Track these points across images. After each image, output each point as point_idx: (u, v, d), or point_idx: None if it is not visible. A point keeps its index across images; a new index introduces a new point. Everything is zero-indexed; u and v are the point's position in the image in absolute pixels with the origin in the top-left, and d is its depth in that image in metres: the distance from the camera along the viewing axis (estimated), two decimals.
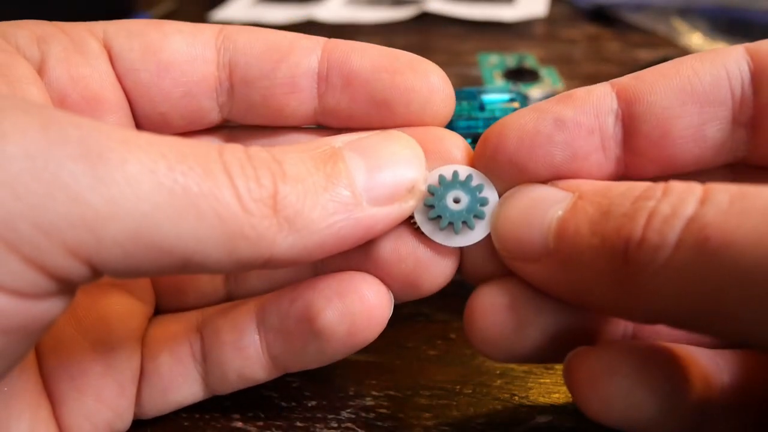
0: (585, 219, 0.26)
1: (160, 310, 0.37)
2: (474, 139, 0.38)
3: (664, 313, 0.24)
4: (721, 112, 0.28)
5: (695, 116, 0.28)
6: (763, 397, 0.29)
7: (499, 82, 0.66)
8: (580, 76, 0.74)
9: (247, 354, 0.33)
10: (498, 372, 0.37)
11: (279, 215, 0.25)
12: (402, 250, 0.31)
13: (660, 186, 0.25)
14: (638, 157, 0.29)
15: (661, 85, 0.28)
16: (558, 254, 0.27)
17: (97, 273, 0.23)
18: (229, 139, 0.35)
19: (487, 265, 0.31)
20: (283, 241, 0.25)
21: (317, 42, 0.33)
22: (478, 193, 0.30)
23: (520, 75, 0.68)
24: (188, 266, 0.24)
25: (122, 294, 0.35)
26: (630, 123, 0.29)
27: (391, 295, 0.32)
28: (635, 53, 0.80)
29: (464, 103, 0.41)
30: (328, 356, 0.32)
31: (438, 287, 0.32)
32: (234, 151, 0.25)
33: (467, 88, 0.43)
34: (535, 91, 0.63)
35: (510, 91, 0.43)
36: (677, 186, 0.24)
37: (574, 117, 0.29)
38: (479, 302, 0.30)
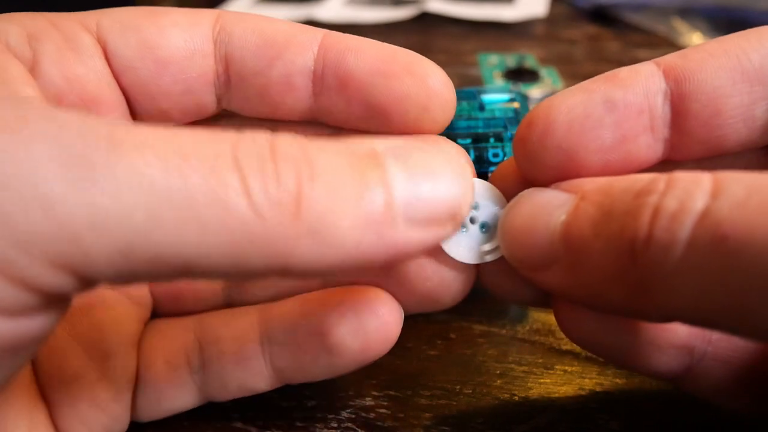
0: (587, 221, 0.25)
1: (156, 313, 0.36)
2: (474, 139, 0.38)
3: (679, 313, 0.23)
4: None
5: (745, 95, 0.27)
6: (753, 357, 0.29)
7: (499, 82, 0.66)
8: (581, 76, 0.74)
9: (250, 365, 0.32)
10: (498, 372, 0.38)
11: (301, 222, 0.22)
12: (428, 269, 0.31)
13: (663, 178, 0.23)
14: (686, 137, 0.28)
15: (710, 64, 0.27)
16: (566, 260, 0.26)
17: (89, 283, 0.22)
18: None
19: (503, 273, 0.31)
20: (302, 252, 0.23)
21: (314, 36, 0.31)
22: (498, 209, 0.30)
23: (520, 75, 0.68)
24: (190, 274, 0.23)
25: (117, 297, 0.34)
26: (679, 102, 0.28)
27: (402, 310, 0.31)
28: (635, 53, 0.81)
29: (464, 103, 0.41)
30: (337, 371, 0.32)
31: (457, 301, 0.32)
32: (255, 142, 0.23)
33: (467, 88, 0.43)
34: (535, 91, 0.63)
35: (510, 91, 0.43)
36: (682, 177, 0.23)
37: (624, 97, 0.27)
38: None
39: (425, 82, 0.30)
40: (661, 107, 0.28)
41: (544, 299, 0.31)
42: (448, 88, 0.30)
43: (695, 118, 0.28)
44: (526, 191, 0.29)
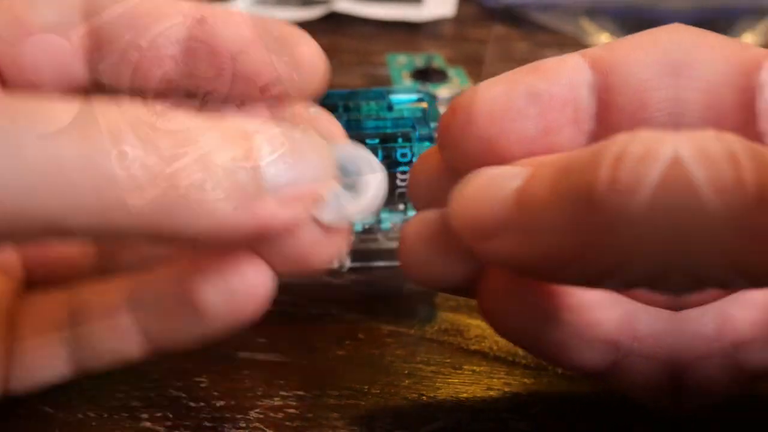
0: (544, 181, 0.24)
1: (29, 286, 0.35)
2: (382, 139, 0.38)
3: (640, 270, 0.23)
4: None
5: (672, 89, 0.27)
6: (675, 354, 0.30)
7: (408, 82, 0.66)
8: (488, 76, 0.74)
9: (120, 331, 0.32)
10: (406, 372, 0.38)
11: (175, 189, 0.23)
12: (296, 231, 0.29)
13: (624, 133, 0.23)
14: (612, 130, 0.26)
15: (637, 56, 0.27)
16: (518, 223, 0.25)
17: None
18: None
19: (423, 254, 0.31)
20: (172, 220, 0.24)
21: (185, 7, 0.31)
22: (367, 171, 0.30)
23: (428, 75, 0.68)
24: (55, 234, 0.23)
25: None
26: (605, 95, 0.28)
27: (272, 273, 0.30)
28: (543, 53, 0.81)
29: (372, 103, 0.41)
30: (208, 334, 0.31)
31: (328, 265, 0.31)
32: (132, 110, 0.24)
33: (376, 88, 0.44)
34: (443, 91, 0.64)
35: (418, 91, 0.44)
36: (647, 131, 0.22)
37: (548, 89, 0.28)
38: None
39: (293, 52, 0.31)
40: (586, 99, 0.28)
41: (467, 284, 0.30)
42: (318, 58, 0.31)
43: (621, 111, 0.27)
44: (482, 168, 0.28)
